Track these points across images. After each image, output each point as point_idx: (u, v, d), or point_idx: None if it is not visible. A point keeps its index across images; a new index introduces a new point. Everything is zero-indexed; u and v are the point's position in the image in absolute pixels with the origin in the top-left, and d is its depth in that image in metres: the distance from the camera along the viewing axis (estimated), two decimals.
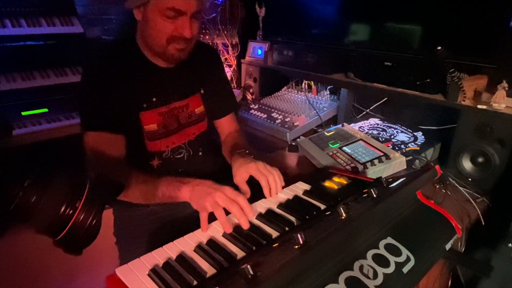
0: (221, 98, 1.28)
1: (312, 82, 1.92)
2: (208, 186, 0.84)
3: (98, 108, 1.01)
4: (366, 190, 0.78)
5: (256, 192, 0.95)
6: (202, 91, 1.21)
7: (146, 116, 1.07)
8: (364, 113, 1.77)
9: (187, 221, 1.20)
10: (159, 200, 0.92)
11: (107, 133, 1.00)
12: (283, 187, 0.96)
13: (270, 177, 0.93)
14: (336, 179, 1.01)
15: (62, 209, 0.66)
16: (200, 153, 1.23)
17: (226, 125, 1.31)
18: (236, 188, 0.90)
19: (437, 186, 1.22)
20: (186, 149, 1.19)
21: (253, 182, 0.96)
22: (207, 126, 1.25)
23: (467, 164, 1.26)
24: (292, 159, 1.49)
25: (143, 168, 1.10)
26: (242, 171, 0.96)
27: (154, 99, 1.08)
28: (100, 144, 0.99)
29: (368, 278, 0.64)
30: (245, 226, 0.78)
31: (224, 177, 0.99)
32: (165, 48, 1.00)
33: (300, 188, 0.98)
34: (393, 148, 1.33)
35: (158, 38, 0.99)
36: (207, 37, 2.21)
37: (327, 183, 0.99)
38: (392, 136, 1.47)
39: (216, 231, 0.79)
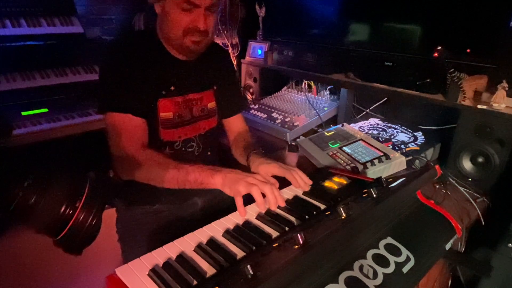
0: (231, 97, 1.31)
1: (312, 82, 1.92)
2: (239, 173, 0.90)
3: (121, 90, 1.04)
4: (366, 190, 0.78)
5: None
6: (215, 88, 1.24)
7: (163, 104, 1.10)
8: (364, 113, 1.77)
9: (191, 220, 1.21)
10: (189, 185, 0.95)
11: (131, 115, 1.03)
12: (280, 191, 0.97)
13: (294, 173, 0.97)
14: (336, 179, 1.01)
15: (62, 209, 0.66)
16: (209, 153, 1.26)
17: (235, 124, 1.34)
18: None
19: (437, 186, 1.22)
20: (197, 143, 1.21)
21: None
22: (216, 122, 1.27)
23: (467, 164, 1.26)
24: (292, 159, 1.49)
25: None
26: (265, 168, 1.01)
27: (172, 88, 1.11)
28: (126, 125, 1.02)
29: (368, 278, 0.64)
30: (281, 203, 0.85)
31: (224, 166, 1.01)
32: (181, 40, 1.05)
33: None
34: (393, 148, 1.33)
35: (175, 30, 1.04)
36: None
37: (327, 183, 0.99)
38: (392, 136, 1.47)
39: (216, 231, 0.79)
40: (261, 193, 0.84)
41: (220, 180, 0.91)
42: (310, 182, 0.98)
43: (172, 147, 1.15)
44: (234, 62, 2.25)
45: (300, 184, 0.96)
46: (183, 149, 1.18)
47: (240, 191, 0.85)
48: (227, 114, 1.32)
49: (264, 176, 0.95)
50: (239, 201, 0.85)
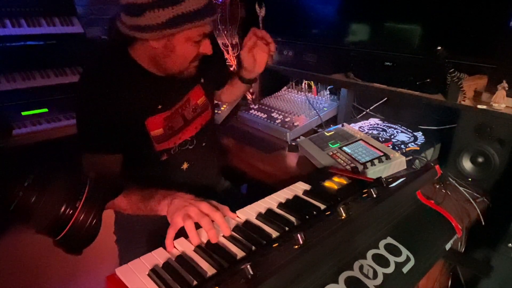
0: (219, 71, 1.30)
1: (312, 82, 1.92)
2: (185, 199, 0.83)
3: (97, 130, 1.00)
4: (366, 190, 0.78)
5: (256, 192, 0.95)
6: (202, 80, 1.20)
7: (152, 122, 1.06)
8: (364, 113, 1.77)
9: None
10: (142, 212, 0.92)
11: (104, 155, 1.00)
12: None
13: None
14: (336, 179, 1.01)
15: (62, 209, 0.66)
16: (204, 143, 1.24)
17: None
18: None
19: (437, 186, 1.22)
20: (191, 141, 1.19)
21: (253, 184, 0.96)
22: (211, 115, 1.25)
23: (467, 164, 1.26)
24: (292, 159, 1.49)
25: (151, 164, 1.13)
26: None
27: (159, 107, 1.07)
28: (96, 165, 1.00)
29: (368, 278, 0.64)
30: (213, 239, 0.74)
31: (224, 166, 0.99)
32: (186, 69, 1.02)
33: (300, 188, 0.98)
34: (393, 148, 1.33)
35: (183, 62, 1.00)
36: None
37: (327, 183, 0.99)
38: (392, 136, 1.47)
39: (216, 230, 0.79)
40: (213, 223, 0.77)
41: (165, 207, 0.86)
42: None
43: (168, 153, 1.13)
44: (234, 62, 2.25)
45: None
46: (178, 150, 1.16)
47: (176, 222, 0.78)
48: (220, 86, 1.34)
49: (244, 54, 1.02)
50: (169, 233, 0.76)
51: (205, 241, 0.76)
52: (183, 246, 0.74)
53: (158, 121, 1.07)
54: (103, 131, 1.00)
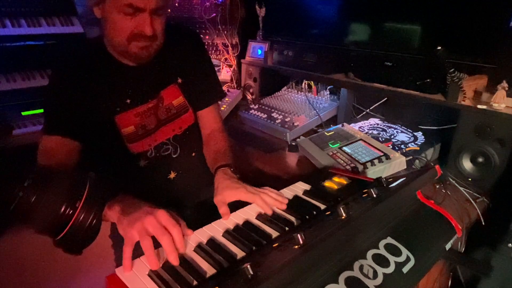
0: (202, 87, 1.18)
1: (312, 82, 1.92)
2: (141, 208, 0.73)
3: (60, 113, 0.98)
4: (366, 190, 0.78)
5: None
6: (179, 81, 1.13)
7: (122, 119, 1.02)
8: (364, 113, 1.77)
9: (186, 222, 1.20)
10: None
11: (62, 138, 0.96)
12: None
13: (263, 195, 0.87)
14: (336, 179, 1.01)
15: (62, 209, 0.66)
16: (194, 154, 1.19)
17: (207, 119, 1.20)
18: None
19: (437, 186, 1.22)
20: (173, 145, 1.13)
21: (253, 184, 0.94)
22: (194, 119, 1.18)
23: (467, 164, 1.26)
24: (292, 159, 1.49)
25: (130, 170, 1.09)
26: (229, 193, 0.89)
27: (128, 101, 1.03)
28: (51, 148, 0.95)
29: (368, 278, 0.64)
30: (174, 262, 0.66)
31: None
32: (126, 46, 0.95)
33: (300, 188, 0.98)
34: (393, 148, 1.33)
35: (118, 36, 0.94)
36: (207, 37, 2.22)
37: (327, 183, 0.99)
38: (392, 136, 1.47)
39: (216, 230, 0.79)
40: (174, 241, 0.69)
41: (116, 215, 0.75)
42: (286, 201, 0.87)
43: (145, 157, 1.08)
44: (234, 62, 2.25)
45: (274, 205, 0.86)
46: (158, 154, 1.10)
47: (132, 237, 0.68)
48: (199, 106, 1.18)
49: (220, 205, 0.85)
50: (125, 252, 0.67)
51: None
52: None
53: (129, 117, 1.03)
54: (67, 114, 0.97)
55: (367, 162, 1.20)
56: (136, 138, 1.06)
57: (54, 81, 1.02)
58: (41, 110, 2.06)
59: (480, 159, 1.23)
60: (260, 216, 0.84)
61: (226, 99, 2.04)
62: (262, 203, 0.85)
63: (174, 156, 1.14)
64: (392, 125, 1.57)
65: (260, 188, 0.91)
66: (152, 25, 0.93)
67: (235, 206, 0.89)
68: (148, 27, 0.92)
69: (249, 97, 2.15)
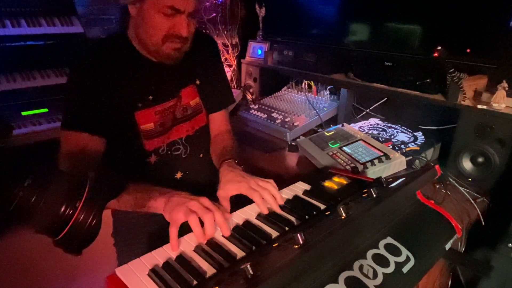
0: (216, 91, 1.22)
1: (312, 82, 1.92)
2: (184, 196, 0.81)
3: (81, 108, 0.98)
4: (366, 190, 0.78)
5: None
6: (197, 82, 1.16)
7: (142, 116, 1.04)
8: (364, 113, 1.77)
9: (187, 222, 1.20)
10: (131, 207, 0.88)
11: (83, 133, 0.95)
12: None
13: (264, 193, 0.87)
14: (336, 179, 1.01)
15: (62, 209, 0.66)
16: (201, 155, 1.20)
17: (218, 121, 1.24)
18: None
19: (437, 186, 1.22)
20: (183, 145, 1.15)
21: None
22: (206, 120, 1.21)
23: (467, 164, 1.26)
24: (292, 159, 1.49)
25: (140, 166, 1.09)
26: (231, 187, 0.91)
27: (150, 98, 1.04)
28: (74, 144, 0.95)
29: (368, 278, 0.64)
30: (225, 233, 0.76)
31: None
32: (160, 46, 0.97)
33: (300, 188, 0.98)
34: (393, 148, 1.33)
35: (154, 36, 0.96)
36: None
37: (327, 183, 0.99)
38: (392, 136, 1.47)
39: (216, 231, 0.79)
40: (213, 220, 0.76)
41: (161, 204, 0.81)
42: (281, 202, 0.88)
43: (157, 153, 1.10)
44: (234, 62, 2.25)
45: (271, 204, 0.86)
46: (169, 152, 1.12)
47: (177, 218, 0.76)
48: (211, 109, 1.22)
49: (222, 199, 0.88)
50: (172, 232, 0.74)
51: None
52: (184, 246, 0.74)
53: (149, 115, 1.05)
54: (89, 109, 0.97)
55: (367, 162, 1.20)
56: (154, 136, 1.07)
57: (77, 74, 1.02)
58: (41, 110, 2.08)
59: (480, 159, 1.23)
60: (260, 216, 0.84)
61: None
62: (260, 201, 0.86)
63: (184, 156, 1.16)
64: (392, 125, 1.57)
65: (264, 181, 0.91)
66: (188, 28, 0.96)
67: (236, 202, 0.89)
68: (185, 29, 0.95)
69: (249, 97, 2.15)
